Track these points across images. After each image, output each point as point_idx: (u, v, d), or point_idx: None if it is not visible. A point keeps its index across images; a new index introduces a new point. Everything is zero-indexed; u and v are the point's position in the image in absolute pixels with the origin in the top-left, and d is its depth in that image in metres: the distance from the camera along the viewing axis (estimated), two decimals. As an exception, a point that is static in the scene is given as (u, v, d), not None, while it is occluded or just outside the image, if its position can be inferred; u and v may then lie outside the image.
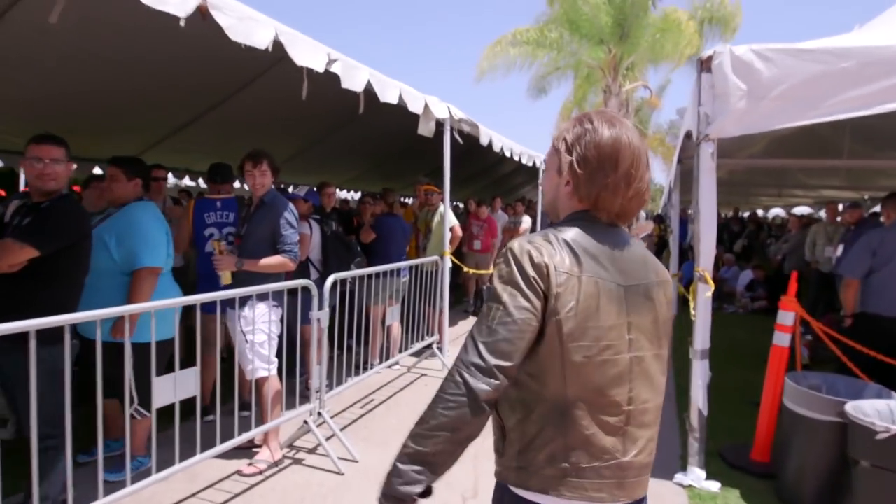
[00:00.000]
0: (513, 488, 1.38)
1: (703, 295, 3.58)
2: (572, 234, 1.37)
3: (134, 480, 2.94)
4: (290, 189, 7.02)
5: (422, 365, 6.21)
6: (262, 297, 3.67)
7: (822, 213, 18.90)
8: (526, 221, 10.17)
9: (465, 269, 8.38)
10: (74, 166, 3.18)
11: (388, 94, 4.49)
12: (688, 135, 6.66)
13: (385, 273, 5.18)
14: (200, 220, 4.40)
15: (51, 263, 2.71)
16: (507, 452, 1.39)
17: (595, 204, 1.40)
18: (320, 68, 3.53)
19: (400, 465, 1.30)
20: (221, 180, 4.59)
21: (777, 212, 29.87)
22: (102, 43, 4.23)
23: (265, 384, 3.74)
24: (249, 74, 5.37)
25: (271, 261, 3.69)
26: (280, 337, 3.85)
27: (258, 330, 3.68)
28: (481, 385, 1.26)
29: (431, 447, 1.28)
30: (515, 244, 1.35)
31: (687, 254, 14.56)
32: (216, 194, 4.56)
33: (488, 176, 14.09)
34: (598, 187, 1.37)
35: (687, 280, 10.96)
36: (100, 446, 2.69)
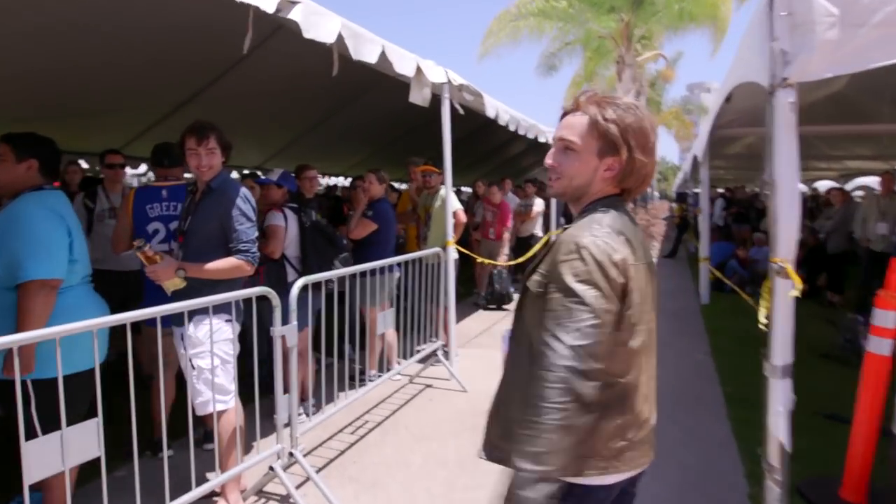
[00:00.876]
0: (569, 479, 1.36)
1: (785, 294, 2.70)
2: (615, 220, 1.40)
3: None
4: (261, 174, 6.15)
5: (427, 373, 5.38)
6: (214, 310, 2.85)
7: (849, 186, 17.85)
8: (538, 204, 9.31)
9: (479, 259, 7.51)
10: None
11: (366, 50, 3.62)
12: (728, 98, 5.78)
13: (375, 269, 4.34)
14: (142, 214, 3.58)
15: None
16: None
17: (631, 189, 1.47)
18: (269, 7, 2.67)
19: (530, 496, 1.27)
20: (169, 164, 3.76)
21: (800, 187, 28.67)
22: (76, 12, 3.51)
23: (219, 421, 2.93)
24: (238, 51, 4.59)
25: (221, 264, 2.86)
26: (240, 358, 3.04)
27: (207, 353, 2.86)
28: (588, 390, 1.27)
29: (558, 461, 1.26)
30: (586, 240, 1.34)
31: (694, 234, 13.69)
32: (163, 181, 3.74)
33: (495, 158, 13.21)
34: (644, 174, 1.44)
35: (716, 262, 10.12)
36: None
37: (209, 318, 2.84)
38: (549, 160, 1.49)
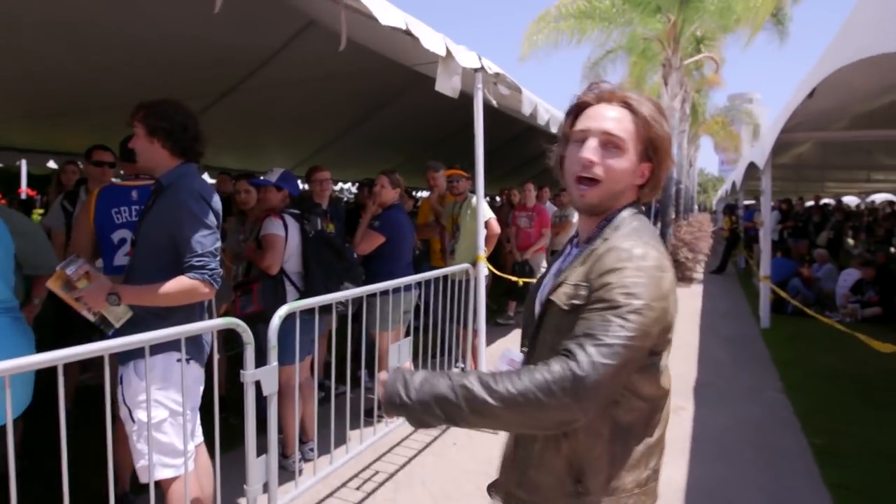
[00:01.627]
0: None
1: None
2: (652, 233, 1.28)
3: None
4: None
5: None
6: (161, 347, 2.16)
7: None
8: (577, 215, 8.45)
9: (518, 279, 6.74)
10: None
11: (385, 19, 2.92)
12: (811, 94, 4.96)
13: (387, 290, 3.63)
14: (107, 219, 2.93)
15: None
16: (593, 485, 1.23)
17: (647, 195, 1.36)
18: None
19: (430, 402, 1.15)
20: (141, 159, 3.11)
21: (851, 200, 27.16)
22: (90, 11, 3.45)
23: (167, 492, 2.24)
24: (267, 51, 4.57)
25: (168, 287, 2.15)
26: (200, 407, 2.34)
27: (154, 402, 2.17)
28: (575, 414, 1.11)
29: (473, 420, 1.15)
30: (640, 250, 1.19)
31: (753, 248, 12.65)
32: (133, 180, 3.09)
33: (534, 166, 12.48)
34: (662, 182, 1.34)
35: (775, 281, 9.13)
36: None
37: (163, 356, 2.17)
38: (590, 156, 1.25)
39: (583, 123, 1.27)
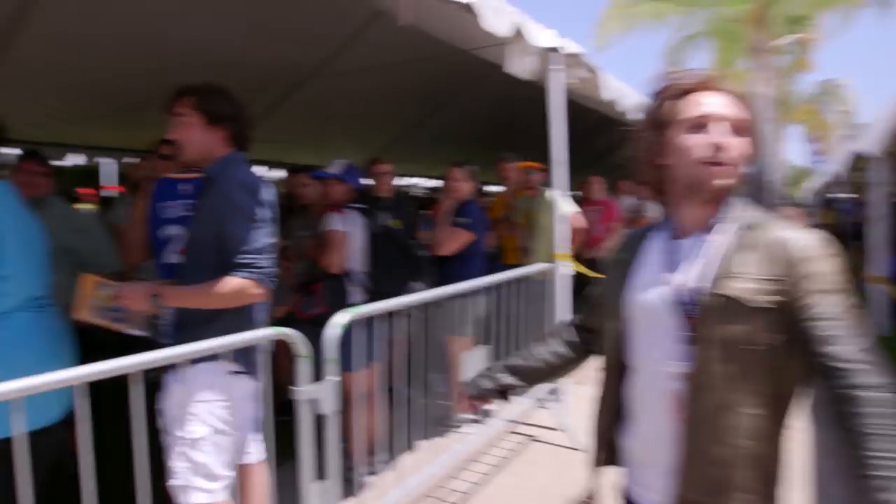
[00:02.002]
0: None
1: None
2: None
3: None
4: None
5: (531, 420, 4.23)
6: (214, 357, 1.91)
7: None
8: (654, 209, 7.79)
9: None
10: None
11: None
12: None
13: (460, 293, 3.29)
14: (158, 214, 2.71)
15: None
16: (770, 487, 1.22)
17: None
18: None
19: None
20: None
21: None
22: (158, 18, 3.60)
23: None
24: (334, 45, 4.54)
25: (215, 288, 1.91)
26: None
27: (193, 417, 1.92)
28: None
29: None
30: (803, 232, 1.21)
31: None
32: (185, 172, 2.88)
33: (601, 164, 11.85)
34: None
35: (892, 276, 8.14)
36: None
37: (209, 366, 1.92)
38: (724, 139, 1.23)
39: (698, 109, 1.25)
